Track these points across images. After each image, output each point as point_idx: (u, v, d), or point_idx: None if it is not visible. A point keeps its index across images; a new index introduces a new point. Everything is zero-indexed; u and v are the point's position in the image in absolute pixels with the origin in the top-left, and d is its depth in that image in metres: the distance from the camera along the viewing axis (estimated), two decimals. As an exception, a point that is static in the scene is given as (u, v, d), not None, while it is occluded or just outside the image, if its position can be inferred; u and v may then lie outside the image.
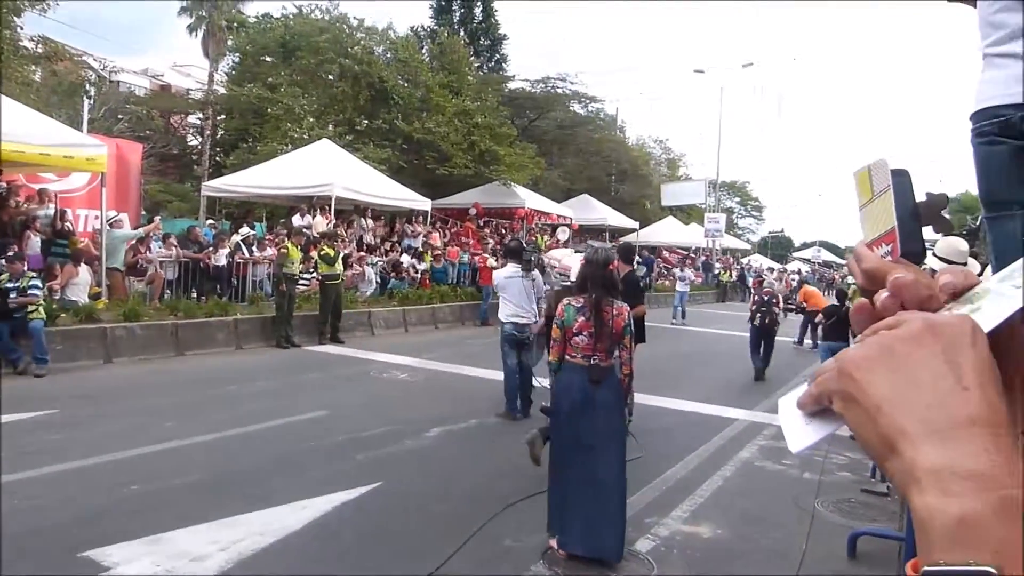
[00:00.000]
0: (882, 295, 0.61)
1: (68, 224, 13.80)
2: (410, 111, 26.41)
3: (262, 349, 13.11)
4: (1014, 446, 0.49)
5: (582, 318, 5.17)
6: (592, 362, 5.14)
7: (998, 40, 1.61)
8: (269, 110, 24.24)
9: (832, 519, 6.17)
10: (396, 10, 78.98)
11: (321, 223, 18.04)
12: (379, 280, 18.07)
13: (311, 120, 24.02)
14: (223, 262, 15.09)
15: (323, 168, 18.89)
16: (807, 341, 18.39)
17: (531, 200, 27.27)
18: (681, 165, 57.79)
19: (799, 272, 44.01)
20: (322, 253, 14.38)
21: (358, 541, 5.12)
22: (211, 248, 15.22)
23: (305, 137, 22.58)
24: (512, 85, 35.53)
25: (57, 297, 11.45)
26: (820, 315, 12.81)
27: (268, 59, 27.20)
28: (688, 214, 48.10)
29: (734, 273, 40.04)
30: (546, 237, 26.13)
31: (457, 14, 36.72)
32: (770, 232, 75.39)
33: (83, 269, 12.13)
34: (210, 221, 20.52)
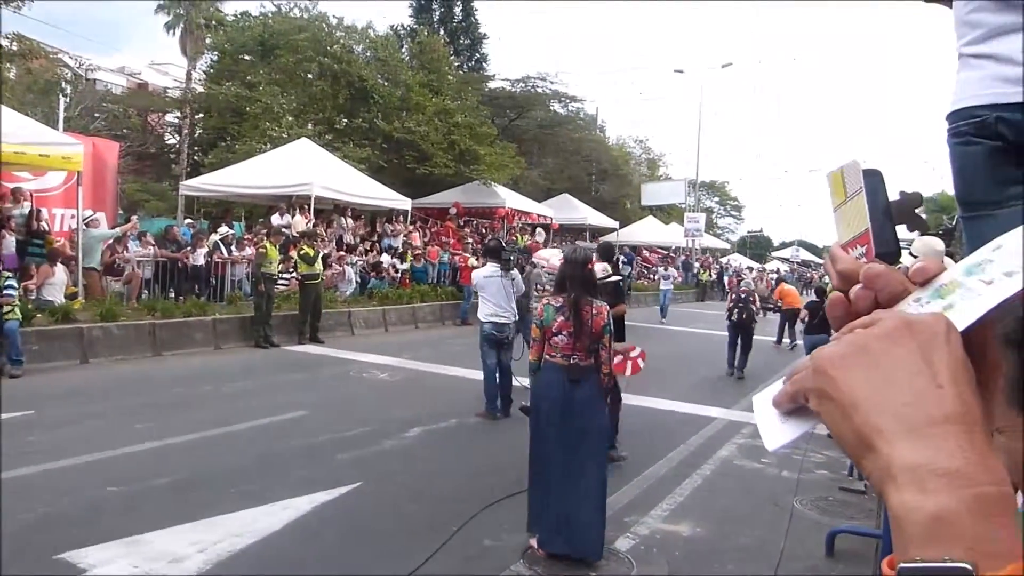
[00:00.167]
0: (856, 288, 0.61)
1: (44, 223, 13.65)
2: (390, 110, 26.32)
3: (241, 349, 13.04)
4: (988, 443, 0.50)
5: (561, 318, 5.18)
6: (571, 361, 5.15)
7: (974, 40, 1.62)
8: (248, 109, 24.07)
9: (810, 517, 6.21)
10: (375, 9, 78.82)
11: (301, 222, 17.94)
12: (359, 280, 18.02)
13: (290, 119, 23.86)
14: (201, 262, 15.00)
15: (302, 167, 18.78)
16: (785, 340, 18.51)
17: (511, 200, 27.28)
18: (661, 165, 58.07)
19: (777, 271, 44.27)
20: (301, 253, 14.31)
21: (338, 541, 5.10)
22: (189, 248, 15.13)
23: (284, 136, 22.44)
24: (492, 84, 35.55)
25: (33, 297, 11.35)
26: (804, 311, 12.95)
27: (247, 57, 27.02)
28: (668, 214, 48.29)
29: (713, 272, 40.23)
30: (526, 237, 26.13)
31: (437, 13, 36.66)
32: (749, 232, 75.91)
33: (59, 269, 12.02)
34: (188, 220, 20.36)
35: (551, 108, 38.00)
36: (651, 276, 33.86)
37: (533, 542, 5.02)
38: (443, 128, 26.06)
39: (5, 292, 9.79)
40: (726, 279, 37.00)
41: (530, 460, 5.23)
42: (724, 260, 49.40)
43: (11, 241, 12.54)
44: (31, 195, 14.14)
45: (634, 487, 6.65)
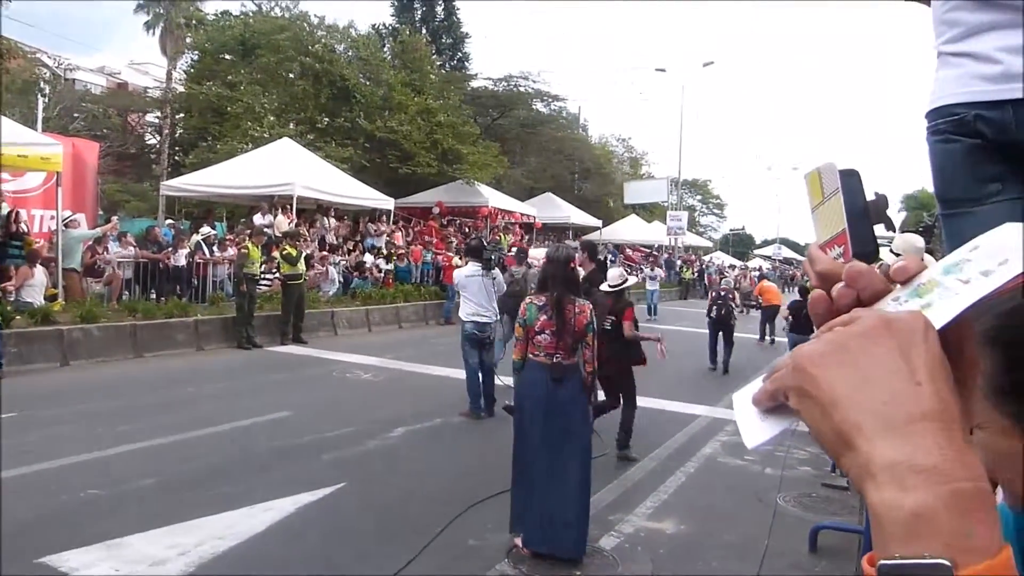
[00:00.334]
0: (838, 286, 0.61)
1: (23, 225, 13.53)
2: (372, 110, 26.27)
3: (223, 350, 12.97)
4: (965, 440, 0.50)
5: (544, 316, 5.18)
6: (554, 360, 5.15)
7: (952, 38, 1.63)
8: (229, 108, 23.98)
9: (793, 513, 6.24)
10: (357, 8, 78.57)
11: (283, 223, 17.87)
12: (342, 280, 17.96)
13: (271, 119, 23.79)
14: (183, 262, 14.92)
15: (284, 167, 18.71)
16: (767, 337, 18.59)
17: (495, 199, 27.30)
18: (644, 163, 58.22)
19: (759, 269, 44.48)
20: (284, 253, 14.25)
21: (322, 542, 5.08)
22: (170, 248, 15.02)
23: (266, 136, 22.36)
24: (475, 83, 35.54)
25: (12, 299, 11.26)
26: (787, 311, 13.08)
27: (227, 57, 26.94)
28: (651, 212, 48.41)
29: (695, 270, 40.37)
30: (509, 236, 26.14)
31: (419, 12, 36.58)
32: (731, 230, 76.30)
33: (38, 270, 11.93)
34: (169, 221, 20.24)
35: (533, 107, 38.06)
36: (634, 274, 33.92)
37: (518, 541, 5.01)
38: (425, 127, 26.05)
39: (-17, 294, 9.70)
40: (707, 277, 37.16)
41: (513, 459, 5.23)
42: (707, 258, 49.58)
43: (-11, 242, 12.44)
44: (10, 196, 14.04)
45: (618, 485, 6.66)
